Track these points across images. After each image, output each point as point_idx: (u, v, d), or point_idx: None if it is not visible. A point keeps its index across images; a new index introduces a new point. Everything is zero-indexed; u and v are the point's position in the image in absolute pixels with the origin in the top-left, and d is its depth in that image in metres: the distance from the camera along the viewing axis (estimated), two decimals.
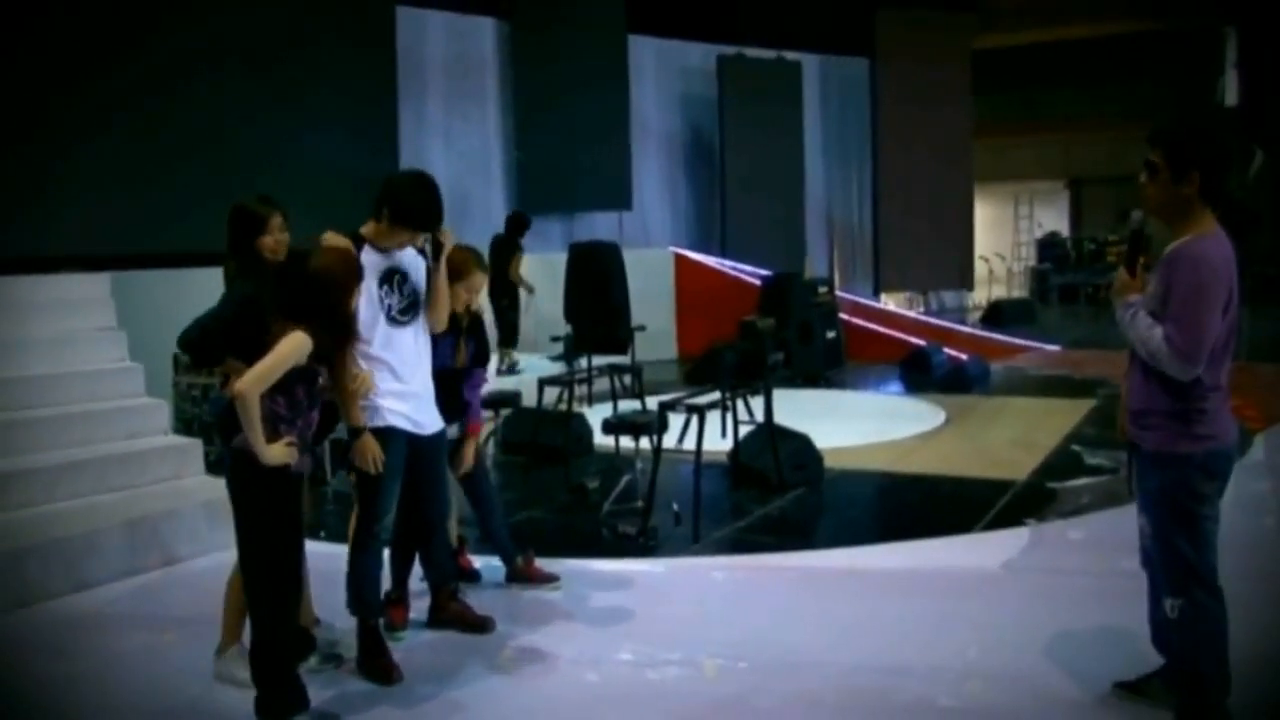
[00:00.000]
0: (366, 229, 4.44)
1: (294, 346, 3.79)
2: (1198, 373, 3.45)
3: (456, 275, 4.78)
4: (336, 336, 3.94)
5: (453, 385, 5.00)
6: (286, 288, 3.96)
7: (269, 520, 3.89)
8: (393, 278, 4.45)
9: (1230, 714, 3.65)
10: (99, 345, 7.33)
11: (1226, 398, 3.62)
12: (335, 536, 5.79)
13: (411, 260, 4.55)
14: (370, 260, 4.36)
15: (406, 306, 4.49)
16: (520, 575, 5.59)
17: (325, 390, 4.07)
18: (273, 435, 3.80)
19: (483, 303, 5.35)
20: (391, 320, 4.43)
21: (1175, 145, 3.50)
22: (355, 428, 4.31)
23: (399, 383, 4.44)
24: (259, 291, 4.22)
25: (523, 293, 12.08)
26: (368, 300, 4.33)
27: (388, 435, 4.41)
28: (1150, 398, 3.59)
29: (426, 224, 4.42)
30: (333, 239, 4.27)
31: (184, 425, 7.99)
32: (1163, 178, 3.52)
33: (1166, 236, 3.64)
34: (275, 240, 4.48)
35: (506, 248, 12.05)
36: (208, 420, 7.35)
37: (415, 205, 4.40)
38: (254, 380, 3.74)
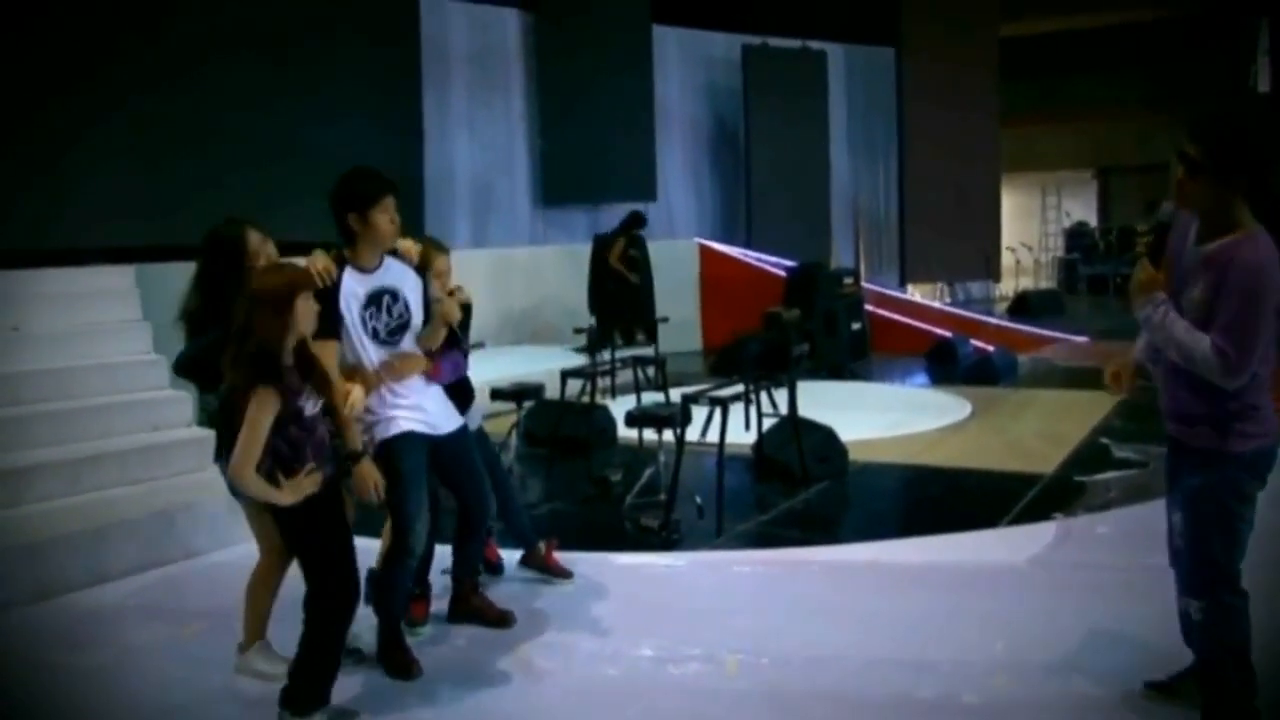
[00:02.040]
0: (346, 251, 4.34)
1: (262, 407, 3.70)
2: (1243, 382, 3.30)
3: (423, 269, 4.61)
4: (289, 362, 3.83)
5: (458, 389, 4.94)
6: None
7: (309, 539, 3.92)
8: (380, 299, 4.34)
9: (1259, 713, 3.58)
10: (123, 337, 7.33)
11: (1270, 394, 3.47)
12: (356, 530, 5.76)
13: (403, 279, 4.44)
14: (353, 282, 4.28)
15: (397, 327, 4.39)
16: (537, 561, 5.56)
17: (319, 416, 3.99)
18: (285, 470, 3.80)
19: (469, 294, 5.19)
20: (381, 342, 4.35)
21: (1223, 145, 3.28)
22: (351, 453, 4.18)
23: (399, 398, 4.39)
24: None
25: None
26: (353, 324, 4.27)
27: (405, 441, 4.36)
28: (1198, 404, 3.44)
29: (374, 190, 4.26)
30: (319, 257, 4.22)
31: (207, 418, 7.97)
32: (1206, 178, 3.30)
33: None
34: (268, 259, 4.39)
35: (612, 237, 12.40)
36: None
37: (354, 188, 4.27)
38: (243, 460, 3.70)
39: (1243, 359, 3.24)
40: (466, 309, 4.98)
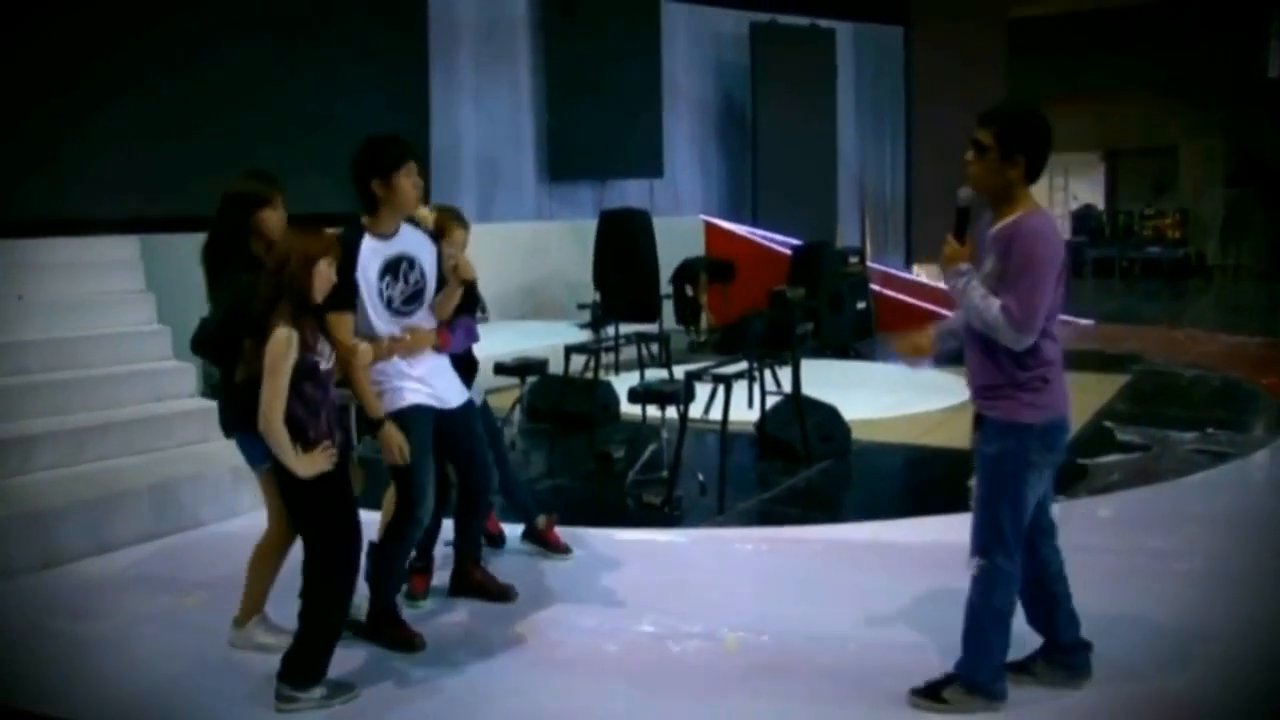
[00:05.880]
0: (365, 218, 4.34)
1: (281, 347, 3.74)
2: (1031, 342, 3.56)
3: (438, 236, 4.61)
4: (312, 310, 3.86)
5: (462, 362, 4.93)
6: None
7: (318, 514, 3.93)
8: (398, 266, 4.33)
9: (1002, 671, 3.84)
10: (127, 308, 7.35)
11: (1062, 371, 3.72)
12: (361, 503, 5.78)
13: (419, 246, 4.44)
14: (371, 248, 4.28)
15: (411, 296, 4.38)
16: (537, 536, 5.57)
17: (333, 374, 4.01)
18: (302, 440, 3.80)
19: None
20: (395, 312, 4.35)
21: (1005, 128, 3.64)
22: (375, 419, 4.22)
23: (407, 369, 4.38)
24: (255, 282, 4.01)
25: None
26: (368, 292, 4.26)
27: (412, 414, 4.35)
28: (996, 372, 3.69)
29: (396, 155, 4.28)
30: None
31: (211, 389, 7.98)
32: (990, 158, 3.64)
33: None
34: (280, 216, 4.37)
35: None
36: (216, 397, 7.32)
37: (377, 152, 4.29)
38: (270, 407, 3.72)
39: (1027, 318, 3.51)
40: (470, 285, 4.81)
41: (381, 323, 4.32)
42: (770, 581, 5.27)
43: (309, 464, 3.80)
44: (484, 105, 13.80)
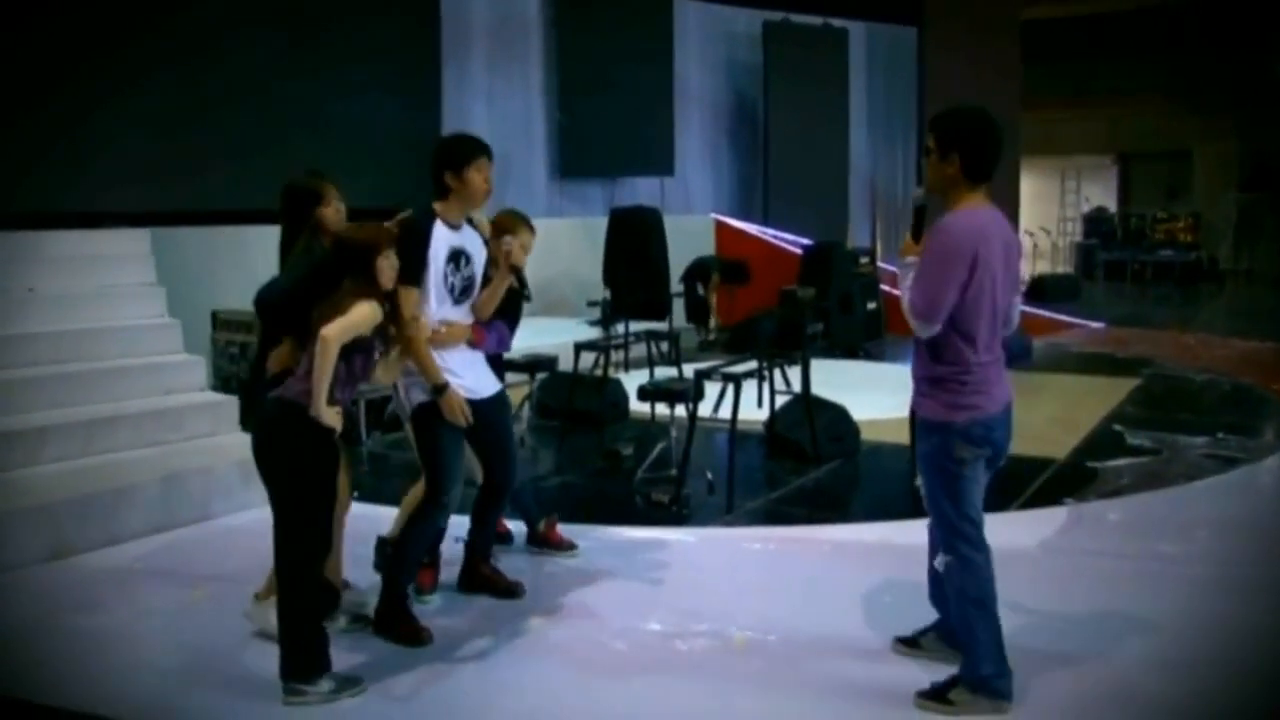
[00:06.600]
0: (438, 204, 4.48)
1: (369, 310, 3.89)
2: (932, 332, 3.70)
3: (505, 232, 4.85)
4: (383, 300, 3.98)
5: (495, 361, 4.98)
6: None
7: (309, 476, 3.93)
8: (459, 258, 4.50)
9: (1010, 692, 3.83)
10: (138, 301, 7.37)
11: (998, 373, 3.82)
12: (369, 497, 5.79)
13: (475, 245, 4.59)
14: (442, 235, 4.43)
15: (464, 289, 4.54)
16: (540, 538, 5.58)
17: (372, 370, 4.13)
18: (329, 401, 3.85)
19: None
20: (454, 300, 4.50)
21: (941, 129, 3.79)
22: (438, 385, 4.35)
23: (443, 360, 4.45)
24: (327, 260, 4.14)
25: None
26: (435, 274, 4.39)
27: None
28: (924, 367, 3.84)
29: (469, 151, 4.51)
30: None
31: (221, 382, 8.02)
32: (933, 159, 3.80)
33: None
34: (336, 210, 4.44)
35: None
36: (243, 378, 7.32)
37: (451, 147, 4.55)
38: (340, 331, 3.81)
39: (925, 308, 3.68)
40: (517, 276, 4.82)
41: (440, 306, 4.44)
42: (778, 581, 5.26)
43: (327, 411, 3.84)
44: (496, 103, 13.79)
